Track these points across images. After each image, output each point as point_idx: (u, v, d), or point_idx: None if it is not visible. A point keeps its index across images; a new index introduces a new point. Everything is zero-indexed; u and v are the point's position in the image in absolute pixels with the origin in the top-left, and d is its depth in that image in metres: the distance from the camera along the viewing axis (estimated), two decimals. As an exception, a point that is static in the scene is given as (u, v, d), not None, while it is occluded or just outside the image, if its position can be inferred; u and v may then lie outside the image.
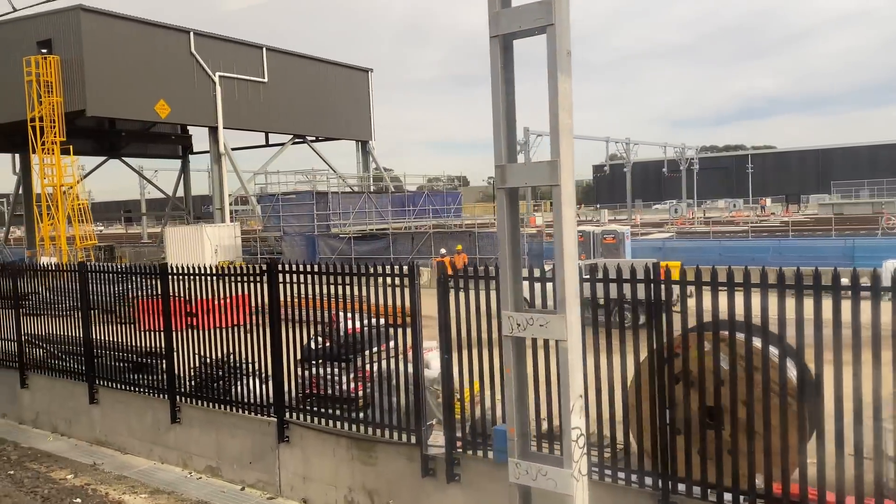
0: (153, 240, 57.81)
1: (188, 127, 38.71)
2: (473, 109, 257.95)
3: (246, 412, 10.68)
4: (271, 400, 10.31)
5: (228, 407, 10.88)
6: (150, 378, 12.41)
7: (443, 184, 46.55)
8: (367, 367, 9.42)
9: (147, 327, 12.15)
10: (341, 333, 10.09)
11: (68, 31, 33.04)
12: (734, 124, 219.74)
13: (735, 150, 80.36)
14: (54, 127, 33.33)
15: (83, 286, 13.51)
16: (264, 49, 41.26)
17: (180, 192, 54.01)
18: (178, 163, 52.65)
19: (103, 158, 50.77)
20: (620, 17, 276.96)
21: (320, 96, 45.24)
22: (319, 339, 10.51)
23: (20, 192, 48.26)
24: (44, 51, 33.44)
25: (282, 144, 46.59)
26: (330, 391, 9.86)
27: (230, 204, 39.63)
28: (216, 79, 38.24)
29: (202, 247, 36.58)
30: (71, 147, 33.82)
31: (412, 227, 35.60)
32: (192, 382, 11.67)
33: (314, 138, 46.34)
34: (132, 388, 12.50)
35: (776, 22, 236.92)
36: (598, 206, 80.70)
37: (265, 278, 10.29)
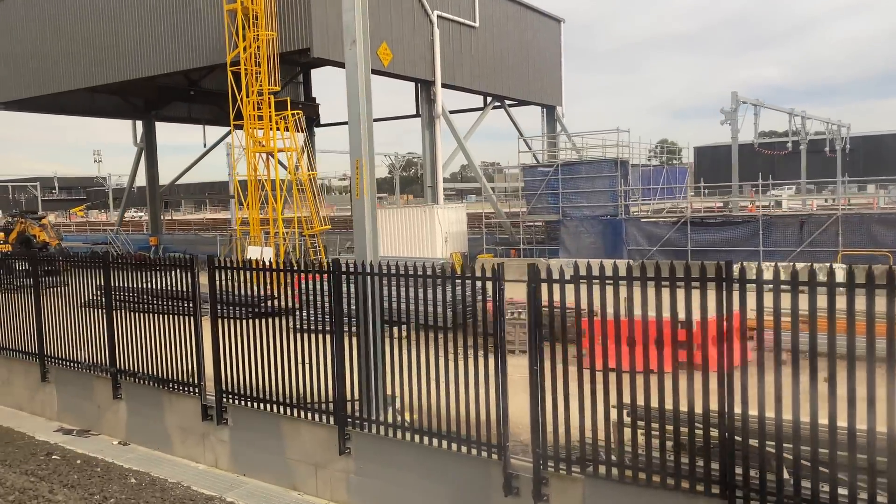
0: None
1: (413, 79, 30.10)
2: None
3: None
4: None
5: None
6: None
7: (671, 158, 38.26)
8: None
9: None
10: None
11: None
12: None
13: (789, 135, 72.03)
14: (260, 74, 24.78)
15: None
16: (475, -14, 32.73)
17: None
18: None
19: (227, 131, 41.99)
20: (623, 6, 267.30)
21: (521, 49, 36.73)
22: None
23: (139, 168, 39.67)
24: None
25: (477, 109, 38.12)
26: None
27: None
28: (434, 18, 29.69)
29: (433, 234, 28.25)
30: (288, 99, 25.26)
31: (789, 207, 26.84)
32: None
33: (510, 102, 37.82)
34: None
35: (780, 11, 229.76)
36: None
37: None
